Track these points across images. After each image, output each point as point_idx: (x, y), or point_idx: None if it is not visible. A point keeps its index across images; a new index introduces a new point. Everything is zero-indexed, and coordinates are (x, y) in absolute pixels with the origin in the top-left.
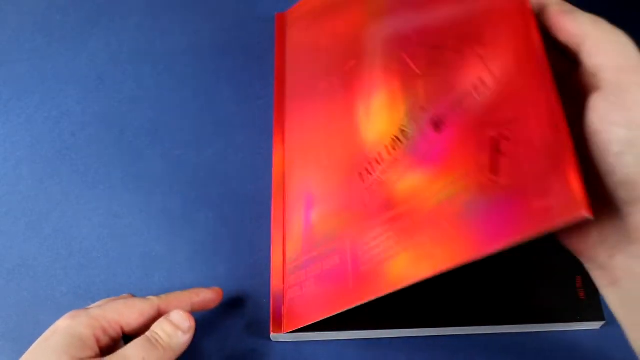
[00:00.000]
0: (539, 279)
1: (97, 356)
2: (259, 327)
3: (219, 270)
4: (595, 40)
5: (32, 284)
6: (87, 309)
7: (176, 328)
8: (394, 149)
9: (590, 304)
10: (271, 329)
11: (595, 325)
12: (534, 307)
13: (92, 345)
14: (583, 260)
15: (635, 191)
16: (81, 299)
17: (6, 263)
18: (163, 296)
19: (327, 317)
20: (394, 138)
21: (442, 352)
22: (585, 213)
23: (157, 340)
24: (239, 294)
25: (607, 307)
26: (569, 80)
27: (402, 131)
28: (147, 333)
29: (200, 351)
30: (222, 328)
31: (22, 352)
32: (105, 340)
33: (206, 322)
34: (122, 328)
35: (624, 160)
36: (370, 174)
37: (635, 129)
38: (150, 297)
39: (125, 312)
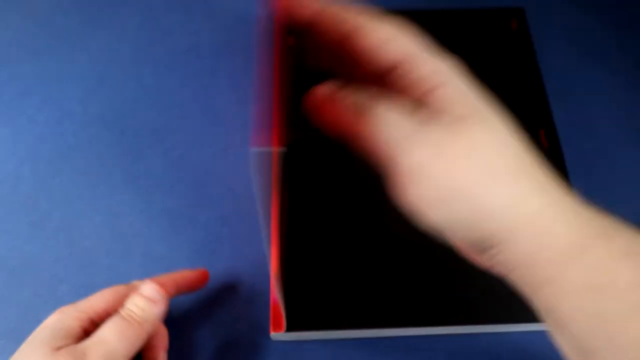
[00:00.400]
0: None
1: (77, 343)
2: (259, 327)
3: (219, 270)
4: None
5: (34, 283)
6: (76, 303)
7: (148, 300)
8: None
9: None
10: (271, 328)
11: None
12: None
13: (77, 336)
14: None
15: (486, 243)
16: (82, 298)
17: (8, 262)
18: (147, 280)
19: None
20: None
21: (441, 350)
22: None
23: (130, 316)
24: (239, 293)
25: None
26: None
27: None
28: (121, 311)
29: (200, 351)
30: (222, 327)
31: None
32: (94, 330)
33: (206, 322)
34: (109, 316)
35: (456, 235)
36: None
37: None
38: (135, 282)
39: (111, 300)
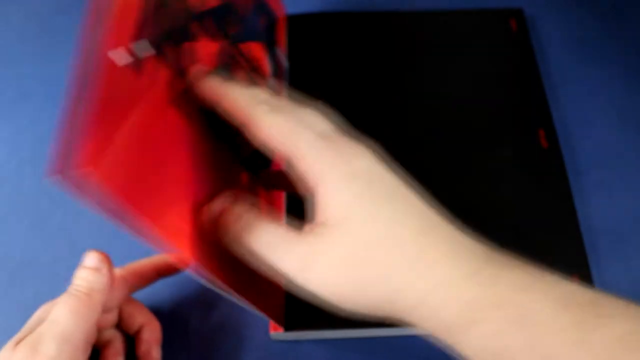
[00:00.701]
0: None
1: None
2: (259, 326)
3: None
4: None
5: (35, 283)
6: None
7: (93, 271)
8: None
9: None
10: (271, 328)
11: None
12: None
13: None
14: None
15: (393, 312)
16: None
17: (9, 262)
18: (126, 266)
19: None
20: None
21: (440, 349)
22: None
23: (78, 291)
24: None
25: None
26: None
27: None
28: (69, 288)
29: (200, 351)
30: (221, 327)
31: None
32: None
33: (205, 320)
34: None
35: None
36: None
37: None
38: (115, 269)
39: None
